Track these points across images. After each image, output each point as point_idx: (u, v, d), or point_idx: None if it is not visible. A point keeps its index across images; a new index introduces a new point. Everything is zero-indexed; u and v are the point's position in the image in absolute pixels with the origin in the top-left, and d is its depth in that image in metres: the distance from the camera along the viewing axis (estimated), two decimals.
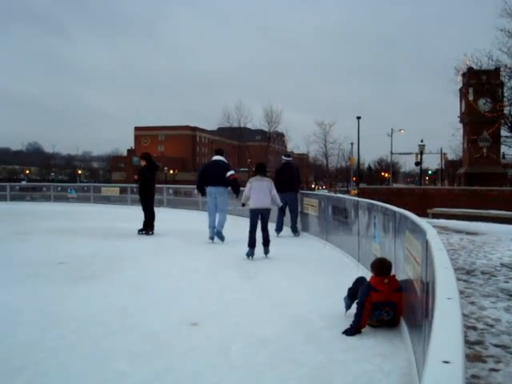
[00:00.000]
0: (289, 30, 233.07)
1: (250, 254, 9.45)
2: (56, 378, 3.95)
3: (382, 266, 5.15)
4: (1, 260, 9.31)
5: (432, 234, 3.80)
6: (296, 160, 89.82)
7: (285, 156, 14.43)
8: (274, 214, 12.12)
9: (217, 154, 12.32)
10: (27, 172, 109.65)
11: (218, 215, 11.72)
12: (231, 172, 12.01)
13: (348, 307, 5.45)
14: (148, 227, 13.19)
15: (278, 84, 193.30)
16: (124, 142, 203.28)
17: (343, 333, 4.89)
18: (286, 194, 12.82)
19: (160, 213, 14.31)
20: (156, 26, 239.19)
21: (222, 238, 11.53)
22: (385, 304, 4.95)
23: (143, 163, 13.35)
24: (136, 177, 13.43)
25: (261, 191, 9.73)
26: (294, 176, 13.56)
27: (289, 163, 13.89)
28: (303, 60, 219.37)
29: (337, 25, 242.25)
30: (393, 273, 5.22)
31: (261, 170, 10.07)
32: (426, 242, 3.71)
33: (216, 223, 11.66)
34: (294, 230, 13.01)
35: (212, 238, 11.68)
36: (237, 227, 11.76)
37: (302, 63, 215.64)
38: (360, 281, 5.46)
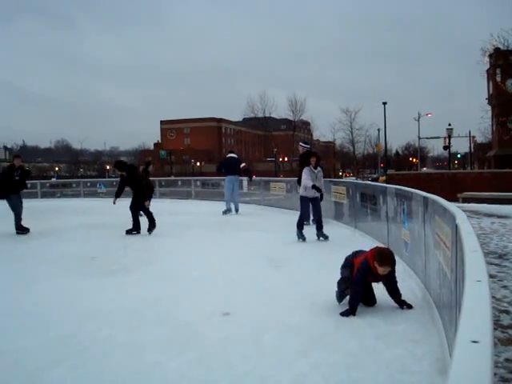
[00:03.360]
0: (303, 14, 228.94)
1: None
2: (92, 369, 4.04)
3: None
4: (35, 256, 9.52)
5: (461, 218, 3.78)
6: (322, 148, 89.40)
7: (304, 143, 13.49)
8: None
9: (230, 153, 17.00)
10: (56, 169, 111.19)
11: (234, 196, 16.25)
12: (242, 164, 16.59)
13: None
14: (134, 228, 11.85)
15: (300, 71, 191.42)
16: (150, 136, 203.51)
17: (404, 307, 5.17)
18: None
19: (189, 205, 14.43)
20: (164, 16, 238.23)
21: (238, 210, 16.20)
22: None
23: (120, 173, 12.03)
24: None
25: None
26: None
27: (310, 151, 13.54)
28: (322, 45, 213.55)
29: (356, 6, 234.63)
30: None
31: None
32: (456, 226, 3.69)
33: (234, 201, 16.21)
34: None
35: (226, 211, 16.03)
36: (264, 217, 11.80)
37: (321, 48, 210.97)
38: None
